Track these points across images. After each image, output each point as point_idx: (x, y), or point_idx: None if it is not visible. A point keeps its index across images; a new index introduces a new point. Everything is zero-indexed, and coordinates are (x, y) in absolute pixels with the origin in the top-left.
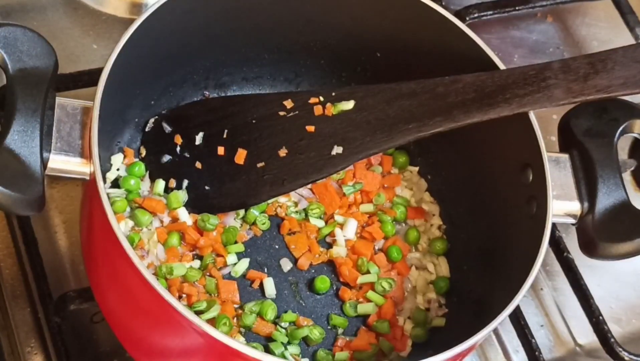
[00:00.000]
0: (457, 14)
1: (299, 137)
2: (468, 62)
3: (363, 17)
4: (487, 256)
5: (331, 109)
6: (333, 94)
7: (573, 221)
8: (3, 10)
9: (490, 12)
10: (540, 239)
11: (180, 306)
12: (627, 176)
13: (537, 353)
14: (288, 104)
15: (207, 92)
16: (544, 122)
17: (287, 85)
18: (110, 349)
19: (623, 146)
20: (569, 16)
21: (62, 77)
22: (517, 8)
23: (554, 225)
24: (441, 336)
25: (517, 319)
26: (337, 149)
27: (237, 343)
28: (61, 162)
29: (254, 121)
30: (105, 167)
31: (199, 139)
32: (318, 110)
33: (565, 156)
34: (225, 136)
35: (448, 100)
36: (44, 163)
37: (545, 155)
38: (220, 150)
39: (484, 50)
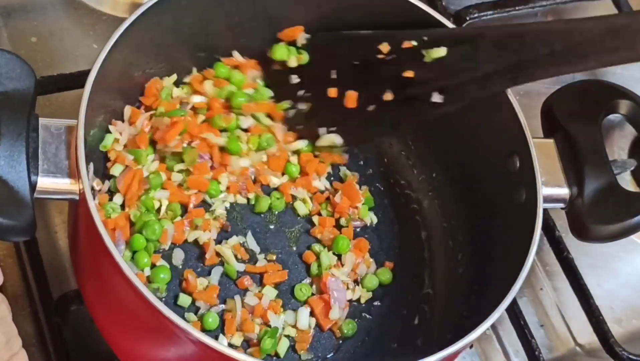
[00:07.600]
0: (457, 14)
1: (401, 83)
2: None
3: (357, 19)
4: (479, 249)
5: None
6: (425, 38)
7: (563, 205)
8: (3, 10)
9: (490, 12)
10: (532, 227)
11: (177, 319)
12: (627, 176)
13: (537, 353)
14: (384, 48)
15: None
16: (528, 109)
17: None
18: (110, 349)
19: (623, 146)
20: (569, 16)
21: (62, 77)
22: (517, 8)
23: (552, 220)
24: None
25: (517, 319)
26: (437, 97)
27: (234, 352)
28: (49, 184)
29: (356, 62)
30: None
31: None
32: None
33: (550, 141)
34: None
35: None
36: (32, 187)
37: (531, 142)
38: (332, 92)
39: None
